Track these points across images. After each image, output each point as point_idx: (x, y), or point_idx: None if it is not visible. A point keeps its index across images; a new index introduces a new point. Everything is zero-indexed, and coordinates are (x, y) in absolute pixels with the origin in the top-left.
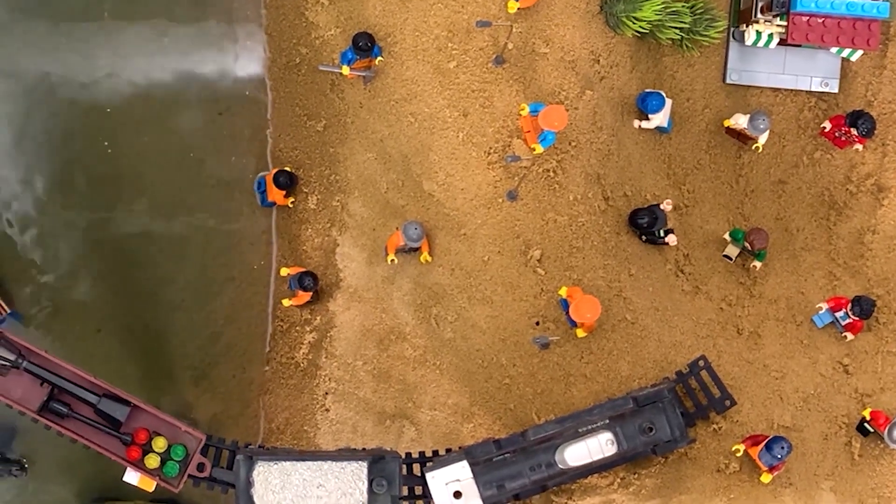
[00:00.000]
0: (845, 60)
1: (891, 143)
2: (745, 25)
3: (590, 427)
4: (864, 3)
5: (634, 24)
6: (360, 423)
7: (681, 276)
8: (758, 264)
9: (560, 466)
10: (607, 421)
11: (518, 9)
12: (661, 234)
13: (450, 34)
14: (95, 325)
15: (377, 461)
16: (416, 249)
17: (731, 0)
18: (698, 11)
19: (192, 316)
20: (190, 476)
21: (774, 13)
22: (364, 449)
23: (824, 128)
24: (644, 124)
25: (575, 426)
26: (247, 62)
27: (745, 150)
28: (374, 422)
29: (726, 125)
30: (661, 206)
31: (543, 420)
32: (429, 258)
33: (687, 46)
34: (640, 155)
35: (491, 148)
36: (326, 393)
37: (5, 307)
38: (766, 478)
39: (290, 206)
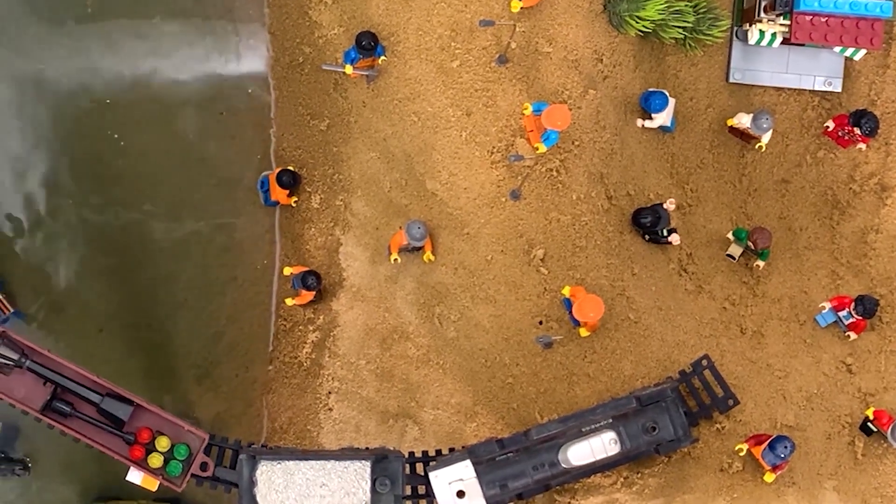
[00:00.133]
0: (849, 60)
1: (894, 142)
2: (748, 24)
3: (593, 426)
4: (867, 2)
5: (638, 23)
6: (364, 422)
7: (684, 275)
8: (761, 263)
9: (563, 466)
10: (610, 420)
11: (521, 8)
12: (665, 233)
13: (453, 33)
14: (98, 325)
15: (380, 460)
16: (420, 249)
17: None
18: (701, 10)
19: (194, 315)
20: (193, 475)
21: (778, 12)
22: (367, 448)
23: (827, 127)
24: (647, 123)
25: (578, 425)
26: (250, 61)
27: (749, 150)
28: (378, 421)
29: (729, 124)
30: (665, 206)
31: (546, 419)
32: (432, 257)
33: (690, 45)
34: (644, 154)
35: (494, 147)
36: (330, 392)
37: (8, 306)
38: (769, 477)
39: (294, 205)
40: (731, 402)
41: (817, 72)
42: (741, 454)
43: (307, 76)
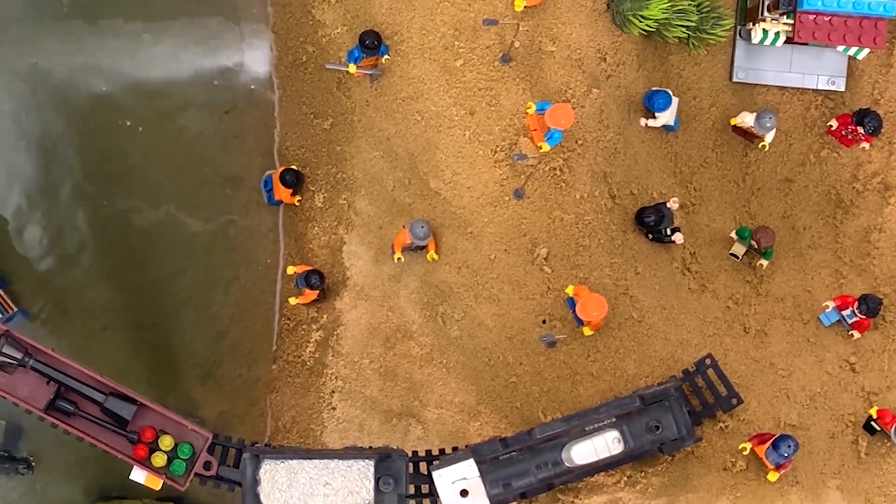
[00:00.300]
0: (852, 59)
1: None
2: (751, 24)
3: (596, 425)
4: (870, 1)
5: (641, 22)
6: (367, 421)
7: (687, 274)
8: (764, 262)
9: (566, 465)
10: (614, 419)
11: (525, 7)
12: (668, 232)
13: (456, 32)
14: (102, 324)
15: (384, 459)
16: (423, 248)
17: None
18: (705, 10)
19: (198, 314)
20: (196, 474)
21: (781, 11)
22: (371, 447)
23: (831, 126)
24: (651, 122)
25: (581, 424)
26: (253, 60)
27: (752, 149)
28: (381, 420)
29: (733, 123)
30: (668, 205)
31: (550, 418)
32: (435, 256)
33: (693, 45)
34: (647, 153)
35: (497, 146)
36: (333, 391)
37: (12, 305)
38: (772, 476)
39: (297, 204)
40: (734, 401)
41: (821, 71)
42: (745, 453)
43: (311, 75)
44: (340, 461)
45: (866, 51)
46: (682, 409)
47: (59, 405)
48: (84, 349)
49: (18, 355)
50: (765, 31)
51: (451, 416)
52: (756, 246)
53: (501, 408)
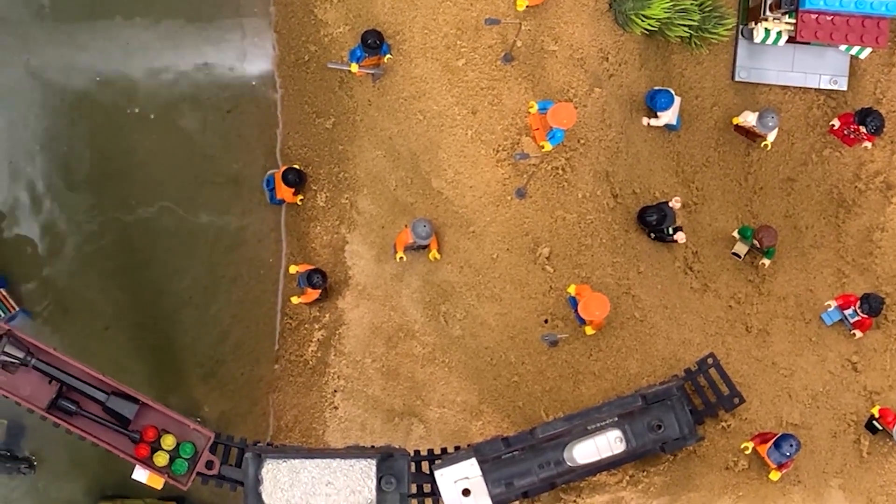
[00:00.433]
0: (854, 58)
1: None
2: (753, 23)
3: (598, 424)
4: (872, 0)
5: (643, 21)
6: (369, 420)
7: (689, 273)
8: (766, 262)
9: (569, 464)
10: (616, 418)
11: (527, 6)
12: (670, 231)
13: (458, 32)
14: (104, 323)
15: (386, 459)
16: (425, 247)
17: None
18: (707, 9)
19: (200, 313)
20: (199, 474)
21: (783, 11)
22: (373, 446)
23: (833, 125)
24: (653, 122)
25: (584, 424)
26: (256, 60)
27: (754, 148)
28: (383, 419)
29: (735, 123)
30: (670, 204)
31: (552, 417)
32: (437, 256)
33: (696, 44)
34: (649, 152)
35: (500, 145)
36: (335, 390)
37: (14, 305)
38: (774, 475)
39: (299, 203)
40: (736, 400)
41: (823, 70)
42: (747, 452)
43: (313, 74)
44: (342, 460)
45: (868, 50)
46: (685, 409)
47: (61, 404)
48: (86, 348)
49: (20, 354)
50: (767, 31)
51: (453, 415)
52: (758, 245)
53: (503, 407)
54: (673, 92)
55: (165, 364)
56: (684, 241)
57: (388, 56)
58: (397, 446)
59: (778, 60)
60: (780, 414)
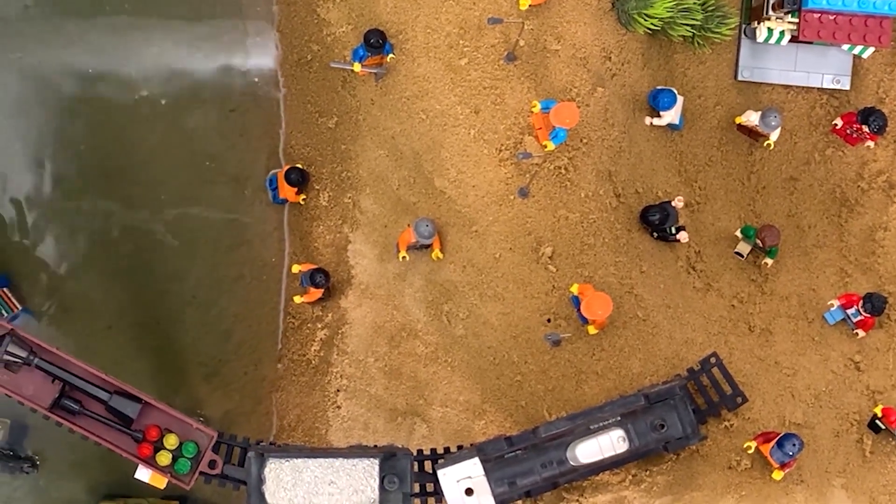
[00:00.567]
0: (857, 57)
1: None
2: (756, 22)
3: (601, 424)
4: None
5: (646, 20)
6: (372, 420)
7: (692, 273)
8: (769, 261)
9: (571, 463)
10: (619, 418)
11: (529, 5)
12: (673, 230)
13: (461, 31)
14: (107, 322)
15: (389, 458)
16: (428, 246)
17: None
18: (710, 8)
19: (203, 313)
20: (201, 473)
21: (786, 10)
22: (375, 446)
23: (836, 125)
24: (655, 121)
25: (586, 423)
26: (258, 59)
27: (757, 147)
28: (386, 419)
29: (738, 122)
30: (673, 203)
31: (555, 417)
32: (440, 255)
33: (698, 43)
34: (652, 152)
35: (502, 145)
36: (338, 390)
37: (17, 304)
38: (777, 475)
39: (302, 203)
40: (739, 399)
41: (825, 69)
42: (749, 452)
43: (316, 74)
44: (345, 460)
45: (871, 49)
46: (687, 408)
47: (64, 404)
48: (89, 348)
49: (23, 354)
50: (770, 30)
51: (455, 414)
52: (761, 244)
53: (506, 406)
54: (676, 91)
55: (168, 363)
56: (687, 240)
57: (391, 55)
58: (400, 446)
59: (781, 60)
60: (783, 413)
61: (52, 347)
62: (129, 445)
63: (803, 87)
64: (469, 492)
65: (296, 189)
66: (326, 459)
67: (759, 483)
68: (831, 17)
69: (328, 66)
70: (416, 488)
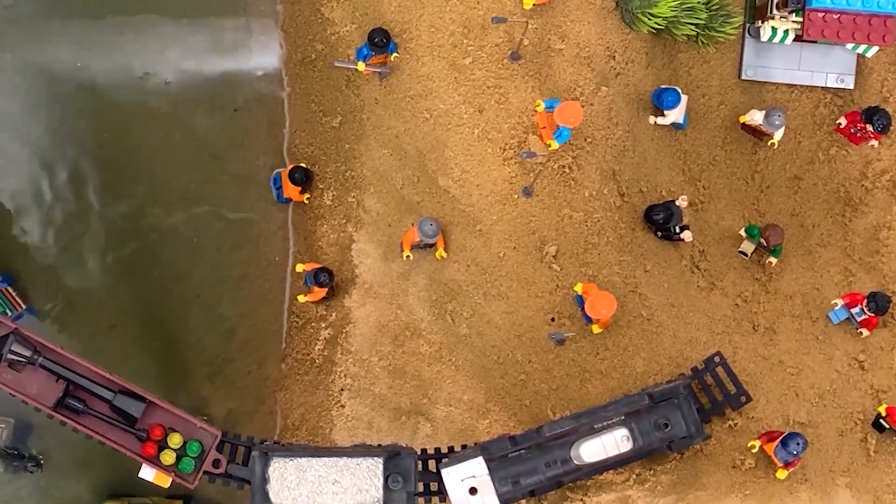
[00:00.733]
0: (861, 56)
1: None
2: (760, 21)
3: (605, 423)
4: None
5: (650, 20)
6: (376, 419)
7: (696, 272)
8: (773, 260)
9: (575, 462)
10: (623, 417)
11: (533, 5)
12: (677, 230)
13: (465, 30)
14: (111, 321)
15: (392, 457)
16: (432, 245)
17: None
18: (714, 8)
19: (207, 312)
20: (205, 472)
21: (790, 9)
22: (379, 445)
23: (840, 124)
24: (660, 120)
25: (590, 422)
26: (263, 58)
27: (761, 147)
28: (390, 418)
29: (742, 121)
30: (677, 203)
31: (559, 416)
32: (444, 254)
33: (702, 42)
34: (656, 151)
35: (506, 144)
36: (342, 389)
37: (21, 303)
38: (781, 474)
39: (306, 202)
40: (743, 398)
41: (829, 69)
42: (753, 451)
43: (320, 73)
44: (349, 459)
45: (875, 49)
46: (691, 407)
47: (68, 403)
48: (93, 347)
49: (27, 353)
50: (774, 29)
51: (459, 413)
52: (765, 244)
53: (510, 405)
54: (680, 90)
55: (172, 362)
56: (691, 239)
57: (395, 54)
58: (404, 445)
59: (785, 59)
60: (787, 412)
61: (56, 346)
62: (133, 444)
63: (807, 87)
64: (473, 491)
65: (300, 188)
66: (330, 458)
67: (763, 482)
68: (835, 16)
69: (332, 66)
70: (420, 487)
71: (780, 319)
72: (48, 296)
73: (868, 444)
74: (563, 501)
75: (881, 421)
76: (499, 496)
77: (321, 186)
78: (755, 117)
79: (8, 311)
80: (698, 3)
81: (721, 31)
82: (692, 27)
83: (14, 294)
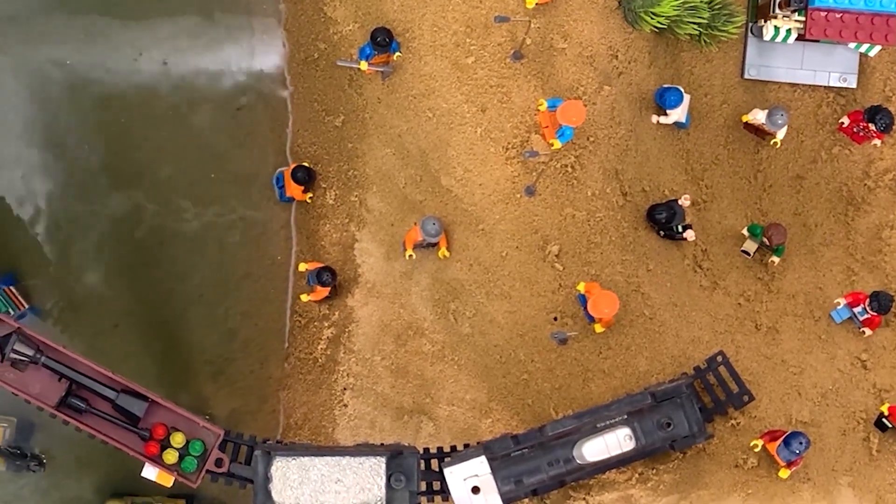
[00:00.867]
0: (863, 56)
1: None
2: (763, 21)
3: (608, 422)
4: None
5: (653, 19)
6: (379, 418)
7: (699, 271)
8: (776, 259)
9: (578, 462)
10: (625, 416)
11: (536, 4)
12: (680, 229)
13: (468, 29)
14: (113, 321)
15: (395, 456)
16: (434, 245)
17: None
18: (716, 7)
19: (210, 311)
20: (208, 471)
21: (793, 8)
22: (382, 444)
23: (842, 123)
24: (662, 119)
25: (593, 421)
26: (265, 58)
27: (764, 146)
28: (392, 417)
29: (744, 120)
30: (679, 202)
31: (561, 415)
32: (447, 253)
33: (705, 42)
34: (659, 150)
35: (509, 143)
36: (345, 388)
37: (24, 303)
38: (784, 473)
39: (309, 201)
40: (745, 398)
41: (832, 68)
42: (756, 450)
43: (322, 72)
44: (352, 458)
45: (878, 48)
46: (694, 406)
47: (71, 402)
48: (95, 346)
49: (30, 352)
50: (776, 28)
51: (462, 412)
52: (768, 243)
53: (513, 405)
54: (682, 90)
55: (175, 362)
56: (693, 238)
57: (398, 54)
58: (407, 444)
59: (787, 58)
60: (790, 411)
61: (58, 346)
62: (135, 444)
63: (810, 86)
64: (476, 490)
65: (302, 187)
66: (333, 458)
67: (766, 481)
68: (838, 16)
69: (335, 65)
70: (423, 486)
71: (783, 319)
72: (51, 295)
73: (870, 443)
74: (565, 500)
75: (884, 420)
76: (501, 495)
77: (324, 186)
78: (758, 116)
79: (11, 310)
80: (701, 2)
81: (724, 31)
82: (695, 26)
83: (17, 293)
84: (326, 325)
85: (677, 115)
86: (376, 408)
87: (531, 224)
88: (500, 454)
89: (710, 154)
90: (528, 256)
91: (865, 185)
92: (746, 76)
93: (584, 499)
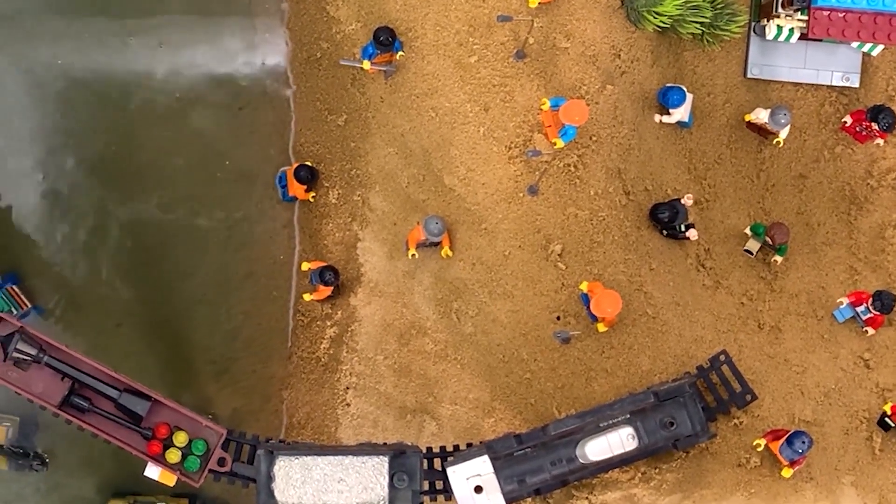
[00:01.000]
0: (866, 55)
1: None
2: (765, 20)
3: (611, 422)
4: None
5: (655, 18)
6: (381, 417)
7: (702, 270)
8: (779, 259)
9: (581, 461)
10: (628, 415)
11: (539, 3)
12: (682, 228)
13: (471, 29)
14: (116, 320)
15: (398, 456)
16: (437, 244)
17: None
18: (719, 6)
19: (212, 310)
20: (211, 471)
21: (795, 7)
22: (385, 444)
23: (845, 122)
24: (665, 119)
25: (596, 421)
26: (268, 56)
27: (766, 145)
28: (395, 416)
29: (747, 120)
30: (682, 201)
31: (564, 415)
32: (449, 253)
33: (708, 41)
34: (661, 149)
35: (512, 142)
36: (347, 387)
37: (27, 302)
38: (786, 472)
39: (311, 200)
40: (748, 397)
41: (835, 67)
42: (759, 449)
43: (325, 72)
44: (355, 457)
45: (881, 47)
46: (697, 406)
47: (74, 401)
48: (98, 346)
49: (33, 352)
50: (779, 28)
51: (465, 412)
52: (770, 242)
53: (516, 404)
54: (685, 89)
55: (178, 361)
56: (696, 238)
57: (401, 53)
58: (409, 443)
59: (790, 57)
60: (793, 411)
61: (61, 345)
62: (138, 443)
63: (813, 85)
64: (478, 489)
65: (305, 187)
66: (336, 457)
67: (769, 480)
68: (841, 15)
69: (338, 64)
70: (426, 486)
71: (786, 318)
72: (54, 294)
73: (873, 442)
74: (568, 500)
75: (886, 419)
76: (504, 495)
77: (326, 185)
78: (760, 116)
79: (14, 309)
80: (703, 1)
81: (726, 30)
82: (697, 25)
83: (20, 293)
84: (329, 324)
85: (680, 114)
86: (379, 407)
87: (534, 223)
88: (503, 453)
89: (712, 153)
90: (531, 256)
91: (868, 184)
92: (749, 75)
93: (587, 498)
